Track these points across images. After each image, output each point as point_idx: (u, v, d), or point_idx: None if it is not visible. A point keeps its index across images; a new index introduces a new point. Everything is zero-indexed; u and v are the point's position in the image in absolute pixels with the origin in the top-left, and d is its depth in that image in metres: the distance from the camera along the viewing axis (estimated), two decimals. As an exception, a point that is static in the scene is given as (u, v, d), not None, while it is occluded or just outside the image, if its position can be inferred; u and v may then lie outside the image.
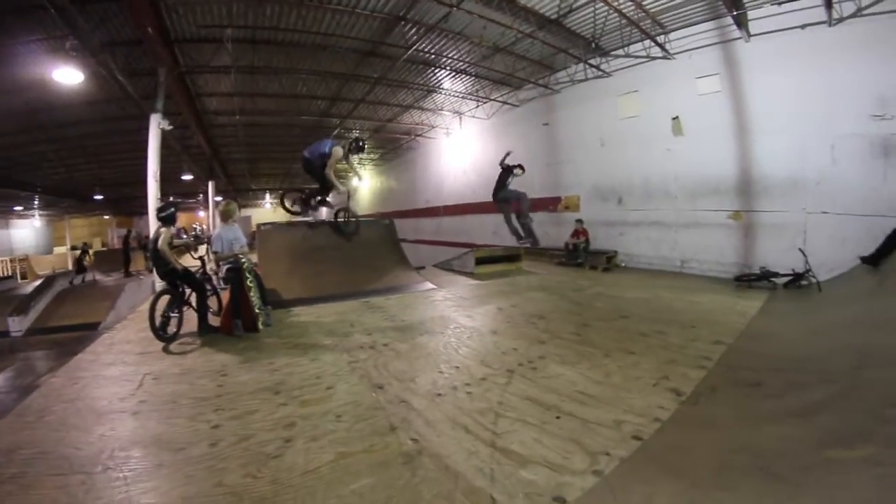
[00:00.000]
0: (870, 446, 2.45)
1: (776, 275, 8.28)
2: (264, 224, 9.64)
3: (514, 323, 6.15)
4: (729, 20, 9.30)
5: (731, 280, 8.95)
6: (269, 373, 4.33)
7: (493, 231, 16.51)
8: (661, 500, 2.25)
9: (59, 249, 31.33)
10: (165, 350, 5.18)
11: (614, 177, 12.58)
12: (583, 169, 13.66)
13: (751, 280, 8.54)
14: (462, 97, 16.16)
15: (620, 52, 11.38)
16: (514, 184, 9.85)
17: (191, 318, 5.86)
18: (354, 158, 8.99)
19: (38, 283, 15.29)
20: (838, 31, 8.04)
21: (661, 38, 10.49)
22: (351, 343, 5.28)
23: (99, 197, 25.13)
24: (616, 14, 9.44)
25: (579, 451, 2.73)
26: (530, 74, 13.75)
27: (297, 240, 9.08)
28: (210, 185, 20.97)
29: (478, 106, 17.06)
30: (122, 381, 4.16)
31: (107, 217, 35.56)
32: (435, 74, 13.90)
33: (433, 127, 19.87)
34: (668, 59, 10.74)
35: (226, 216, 6.37)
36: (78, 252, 18.95)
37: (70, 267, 22.67)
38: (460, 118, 18.49)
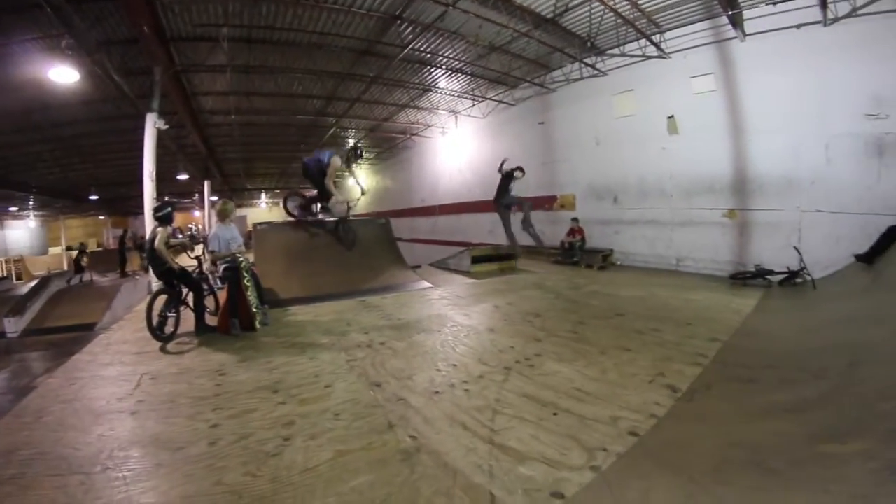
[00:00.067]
0: (863, 441, 2.48)
1: (771, 273, 8.34)
2: (260, 223, 9.63)
3: (510, 321, 6.18)
4: (724, 20, 9.32)
5: (726, 278, 9.01)
6: (267, 372, 4.34)
7: (489, 230, 16.53)
8: (658, 494, 2.28)
9: (54, 250, 31.22)
10: (163, 350, 5.17)
11: (610, 175, 12.62)
12: (578, 168, 13.70)
13: (746, 278, 8.60)
14: (458, 96, 16.18)
15: (616, 51, 11.43)
16: (515, 187, 9.89)
17: (188, 318, 5.85)
18: (355, 167, 8.97)
19: (33, 283, 15.23)
20: (833, 30, 8.08)
21: (656, 38, 10.52)
22: (348, 342, 5.29)
23: (94, 197, 25.02)
24: (612, 13, 9.46)
25: (576, 448, 2.75)
26: (526, 73, 13.77)
27: (293, 239, 9.06)
28: (206, 184, 20.93)
29: (473, 105, 17.08)
30: (120, 382, 4.15)
31: (102, 217, 35.41)
32: (431, 73, 13.91)
33: (429, 126, 19.90)
34: (664, 58, 10.78)
35: (223, 215, 6.36)
36: (75, 252, 18.91)
37: (65, 267, 22.66)
38: (456, 117, 18.51)
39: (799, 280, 7.97)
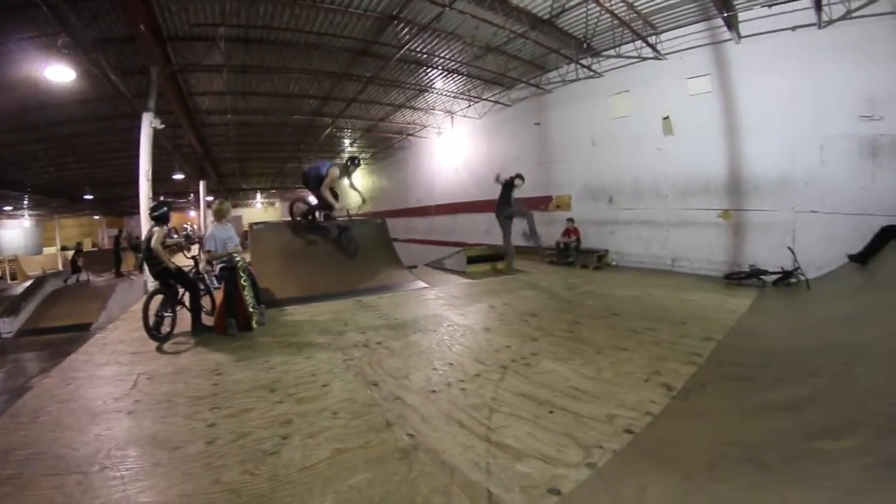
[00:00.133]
0: (857, 437, 2.52)
1: (765, 273, 8.38)
2: (257, 223, 9.62)
3: (506, 321, 6.20)
4: (720, 22, 9.37)
5: (721, 278, 9.04)
6: (264, 371, 4.35)
7: (485, 230, 16.56)
8: (654, 491, 2.30)
9: (48, 250, 31.03)
10: (159, 350, 5.18)
11: (605, 176, 12.66)
12: (574, 168, 13.73)
13: (740, 278, 8.64)
14: (454, 97, 16.19)
15: (612, 52, 11.45)
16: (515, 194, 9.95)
17: (184, 318, 5.86)
18: (354, 176, 9.03)
19: (28, 283, 15.14)
20: (828, 33, 8.13)
21: (652, 39, 10.56)
22: (345, 341, 5.31)
23: (89, 197, 24.92)
24: (608, 15, 9.47)
25: (573, 445, 2.78)
26: (522, 74, 13.80)
27: (289, 239, 9.07)
28: (201, 184, 20.86)
29: (469, 105, 17.07)
30: (117, 381, 4.16)
31: (97, 217, 35.28)
32: (427, 74, 13.91)
33: (425, 126, 19.88)
34: (660, 59, 10.83)
35: (219, 215, 6.36)
36: (70, 252, 18.84)
37: (60, 267, 22.54)
38: (452, 118, 18.51)
39: (793, 280, 8.03)
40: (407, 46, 11.09)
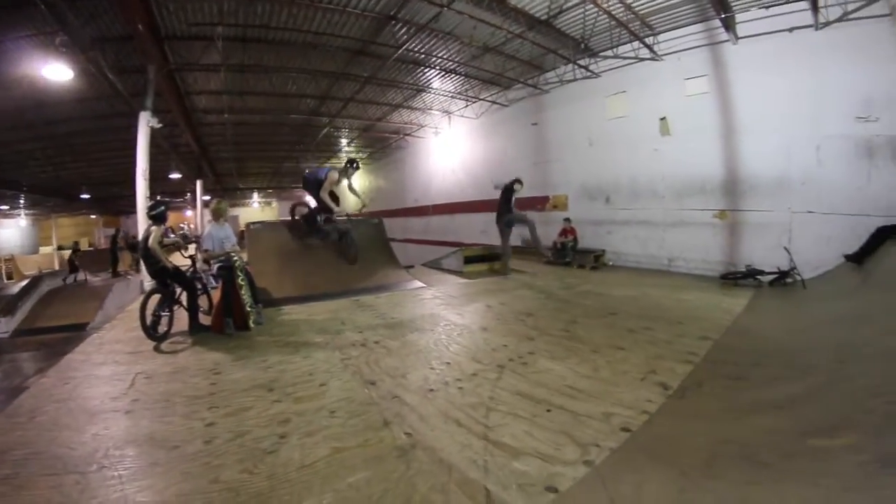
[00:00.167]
0: (852, 435, 2.54)
1: (762, 273, 8.41)
2: (253, 223, 9.61)
3: (503, 320, 6.22)
4: (717, 23, 9.40)
5: (717, 278, 9.07)
6: (261, 370, 4.35)
7: (482, 230, 16.58)
8: (651, 488, 2.32)
9: (44, 249, 30.95)
10: (156, 349, 5.16)
11: (602, 176, 12.69)
12: (571, 168, 13.76)
13: (737, 278, 8.67)
14: (451, 97, 16.19)
15: (609, 53, 11.49)
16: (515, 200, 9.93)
17: (181, 318, 5.85)
18: (353, 179, 8.98)
19: (24, 283, 15.10)
20: (825, 34, 8.17)
21: (649, 40, 10.60)
22: (342, 341, 5.31)
23: (86, 196, 24.84)
24: (605, 15, 9.51)
25: (570, 443, 2.79)
26: (520, 74, 13.82)
27: (286, 239, 9.06)
28: (198, 184, 20.82)
29: (467, 105, 17.09)
30: (114, 381, 4.15)
31: (93, 216, 35.17)
32: (424, 74, 13.91)
33: (422, 126, 19.90)
34: (657, 60, 10.86)
35: (217, 215, 6.36)
36: (67, 252, 18.83)
37: (56, 267, 22.48)
38: (449, 117, 18.52)
39: (789, 280, 8.06)
40: (405, 46, 11.10)
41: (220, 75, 11.84)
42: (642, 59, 11.06)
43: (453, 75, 14.03)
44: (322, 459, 2.69)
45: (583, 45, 11.41)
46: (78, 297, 13.01)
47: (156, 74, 9.47)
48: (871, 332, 4.38)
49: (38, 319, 11.52)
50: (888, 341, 3.96)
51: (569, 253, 11.92)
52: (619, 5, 9.26)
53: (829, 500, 2.07)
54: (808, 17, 8.25)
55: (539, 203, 14.50)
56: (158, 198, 6.20)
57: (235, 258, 5.96)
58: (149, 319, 5.34)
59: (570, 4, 9.62)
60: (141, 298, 5.76)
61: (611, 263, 11.83)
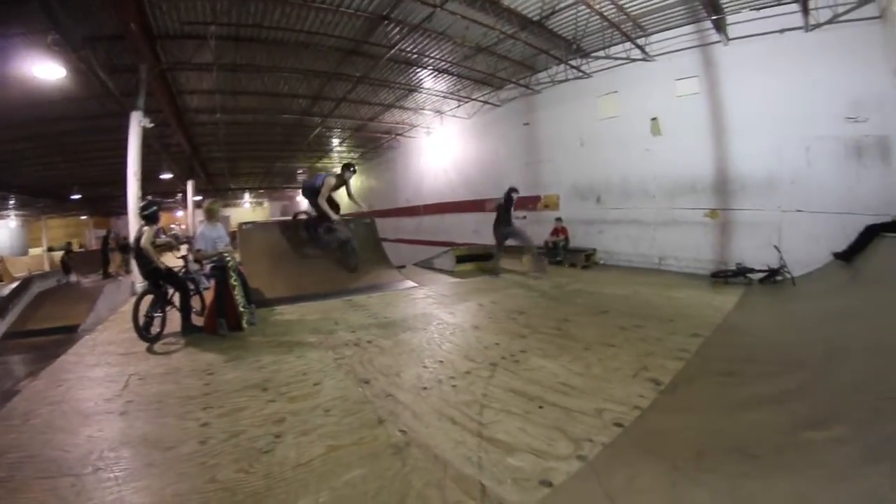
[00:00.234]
0: (840, 427, 2.61)
1: (752, 271, 8.49)
2: (245, 223, 9.58)
3: (495, 319, 6.26)
4: (708, 24, 9.49)
5: (707, 276, 9.13)
6: (255, 370, 4.36)
7: (473, 230, 16.65)
8: (644, 481, 2.36)
9: (34, 251, 30.60)
10: (149, 350, 5.15)
11: (593, 176, 12.77)
12: (562, 168, 13.84)
13: (727, 276, 8.74)
14: (443, 96, 16.19)
15: (601, 53, 11.58)
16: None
17: (174, 319, 5.83)
18: (350, 182, 8.91)
19: (14, 285, 14.93)
20: (815, 36, 8.27)
21: (641, 41, 10.66)
22: (336, 340, 5.33)
23: (76, 196, 24.63)
24: (598, 16, 9.55)
25: (563, 439, 2.83)
26: (511, 75, 13.85)
27: (279, 239, 9.04)
28: (189, 184, 20.69)
29: (459, 105, 17.11)
30: (108, 383, 4.14)
31: (84, 217, 34.84)
32: (417, 74, 13.91)
33: (414, 126, 19.91)
34: (648, 61, 10.94)
35: (210, 215, 6.35)
36: (61, 252, 18.75)
37: (47, 268, 22.27)
38: (441, 117, 18.54)
39: (779, 278, 8.14)
40: (397, 46, 11.10)
41: (212, 75, 11.77)
42: (634, 60, 11.13)
43: (445, 75, 14.03)
44: (317, 458, 2.70)
45: (575, 46, 11.47)
46: (69, 298, 12.88)
47: (148, 74, 9.40)
48: (858, 328, 4.45)
49: (29, 322, 11.39)
50: (875, 337, 4.03)
51: (560, 252, 11.97)
52: (611, 6, 9.30)
53: (819, 490, 2.12)
54: (798, 19, 8.34)
55: (531, 203, 14.55)
56: (150, 198, 6.16)
57: (228, 258, 5.95)
58: (141, 320, 5.33)
59: (562, 5, 9.65)
60: (133, 300, 5.74)
61: (602, 262, 11.90)
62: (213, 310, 5.75)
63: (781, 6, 8.53)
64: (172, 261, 6.45)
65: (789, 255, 8.20)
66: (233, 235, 11.54)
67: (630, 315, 6.09)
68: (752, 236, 9.31)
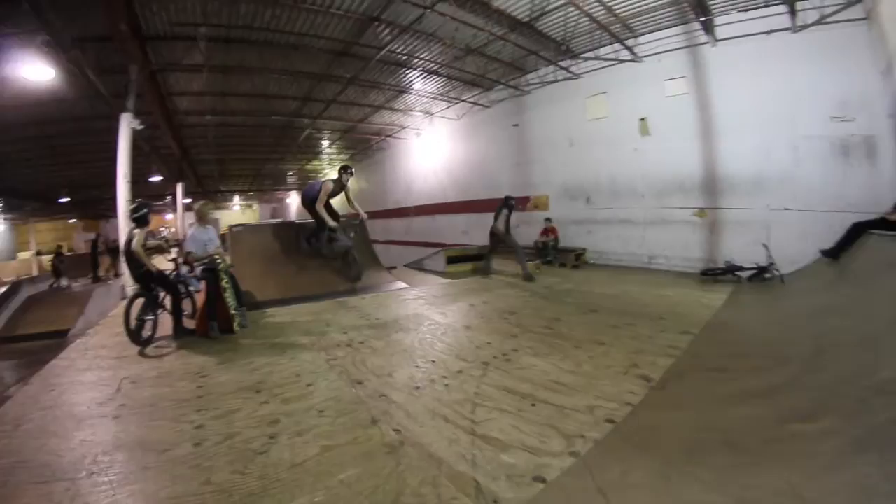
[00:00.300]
0: (827, 419, 2.66)
1: (741, 269, 8.57)
2: (235, 225, 9.55)
3: (486, 319, 6.29)
4: (696, 25, 9.59)
5: (697, 274, 9.20)
6: (248, 372, 4.35)
7: (463, 231, 16.70)
8: (636, 475, 2.40)
9: (23, 255, 30.25)
10: (141, 354, 5.11)
11: (583, 176, 12.85)
12: (552, 169, 13.90)
13: (716, 274, 8.82)
14: (433, 98, 16.22)
15: (590, 54, 11.65)
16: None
17: (165, 322, 5.81)
18: (348, 185, 8.71)
19: (3, 290, 14.78)
20: (802, 37, 8.37)
21: (630, 42, 10.74)
22: (328, 341, 5.33)
23: (65, 199, 24.39)
24: (587, 18, 9.62)
25: (556, 435, 2.86)
26: (501, 76, 13.91)
27: (269, 241, 9.00)
28: (179, 186, 20.54)
29: (448, 107, 17.14)
30: (100, 386, 4.11)
31: (72, 221, 34.49)
32: (406, 75, 13.93)
33: (403, 127, 19.92)
34: (637, 62, 11.02)
35: (201, 217, 6.33)
36: (52, 256, 18.62)
37: (35, 273, 22.06)
38: (431, 119, 18.57)
39: (768, 275, 8.21)
40: (387, 48, 11.12)
41: (202, 76, 11.72)
42: (623, 61, 11.21)
43: (435, 76, 14.07)
44: (312, 458, 2.71)
45: (564, 47, 11.53)
46: (58, 303, 12.81)
47: (138, 75, 9.33)
48: (846, 324, 4.50)
49: (18, 327, 11.31)
50: (862, 331, 4.08)
51: (550, 252, 12.03)
52: (600, 8, 9.37)
53: (809, 481, 2.16)
54: (785, 21, 8.45)
55: (520, 203, 14.56)
56: (140, 200, 6.12)
57: (219, 261, 5.93)
58: (133, 324, 5.29)
59: (552, 7, 9.71)
60: (125, 303, 5.70)
61: (592, 262, 11.96)
62: (205, 312, 5.73)
63: (769, 7, 8.64)
64: (163, 264, 6.41)
65: (777, 252, 8.29)
66: (222, 238, 11.53)
67: (620, 313, 6.14)
68: (740, 235, 9.40)
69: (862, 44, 7.61)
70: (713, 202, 9.97)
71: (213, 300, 5.73)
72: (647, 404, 3.29)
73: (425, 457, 2.67)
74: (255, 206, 44.15)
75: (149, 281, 5.64)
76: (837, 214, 7.70)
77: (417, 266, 11.64)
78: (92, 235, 21.61)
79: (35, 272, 23.18)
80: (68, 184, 21.75)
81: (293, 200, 39.55)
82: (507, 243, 9.78)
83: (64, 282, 16.83)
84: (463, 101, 16.13)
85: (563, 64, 12.23)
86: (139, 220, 5.65)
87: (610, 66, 11.57)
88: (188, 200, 20.84)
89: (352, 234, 8.89)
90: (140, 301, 5.55)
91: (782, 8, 8.39)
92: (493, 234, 9.86)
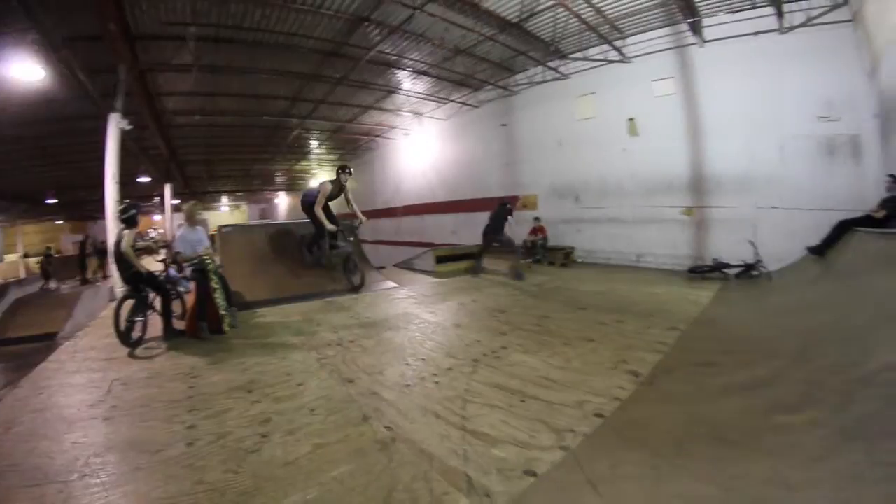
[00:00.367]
0: (813, 411, 2.73)
1: (728, 266, 8.65)
2: (225, 226, 9.50)
3: (476, 317, 6.32)
4: (685, 26, 9.72)
5: (685, 272, 9.28)
6: (239, 372, 4.34)
7: (452, 230, 16.74)
8: (626, 468, 2.44)
9: (10, 257, 29.83)
10: (131, 355, 5.08)
11: (571, 176, 12.97)
12: (541, 168, 14.00)
13: (704, 271, 8.91)
14: (422, 98, 16.22)
15: (579, 55, 11.73)
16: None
17: (155, 323, 5.78)
18: (347, 185, 8.49)
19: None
20: (789, 38, 8.52)
21: (618, 43, 10.84)
22: (318, 341, 5.33)
23: (52, 201, 24.11)
24: (576, 19, 9.69)
25: (545, 430, 2.90)
26: (490, 76, 13.95)
27: (258, 241, 8.96)
28: (167, 187, 20.37)
29: (437, 107, 17.17)
30: (90, 388, 4.08)
31: (60, 222, 34.08)
32: (396, 75, 13.93)
33: (392, 127, 19.91)
34: (625, 62, 11.12)
35: (190, 218, 6.30)
36: (41, 258, 18.45)
37: (22, 275, 21.81)
38: (419, 119, 18.59)
39: (755, 273, 8.31)
40: (377, 48, 11.12)
41: (191, 76, 11.64)
42: (611, 62, 11.31)
43: (424, 77, 14.07)
44: (305, 456, 2.73)
45: (553, 48, 11.58)
46: (46, 306, 12.66)
47: (127, 75, 9.25)
48: (831, 319, 4.57)
49: (8, 330, 11.16)
50: (846, 326, 4.15)
51: (539, 251, 12.10)
52: (589, 9, 9.45)
53: (796, 471, 2.22)
54: (772, 22, 8.59)
55: (509, 203, 14.65)
56: (129, 201, 6.07)
57: (209, 261, 5.91)
58: (123, 325, 5.26)
59: (541, 8, 9.76)
60: (114, 305, 5.67)
61: (580, 260, 12.07)
62: (195, 313, 5.71)
63: (756, 9, 8.77)
64: (152, 265, 6.38)
65: (764, 250, 8.39)
66: (212, 238, 11.45)
67: (609, 311, 6.21)
68: (728, 233, 9.53)
69: (848, 45, 7.79)
70: (701, 201, 10.09)
71: (203, 301, 5.71)
72: (636, 399, 3.34)
73: (417, 453, 2.70)
74: (244, 207, 43.88)
75: (138, 282, 5.60)
76: (823, 212, 7.83)
77: (407, 266, 11.64)
78: (79, 237, 21.39)
79: (22, 275, 22.89)
80: (56, 185, 21.48)
81: (282, 201, 39.39)
82: (503, 243, 9.80)
83: (53, 284, 16.65)
84: (452, 101, 16.16)
85: (551, 64, 12.31)
86: (128, 221, 5.61)
87: (598, 66, 11.67)
88: (176, 201, 20.71)
89: (350, 238, 8.64)
90: (130, 302, 5.53)
91: (769, 10, 8.52)
92: (487, 234, 9.88)
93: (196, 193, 30.53)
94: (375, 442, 2.86)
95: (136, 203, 5.97)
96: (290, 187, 35.09)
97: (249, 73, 12.21)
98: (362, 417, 3.22)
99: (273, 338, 5.61)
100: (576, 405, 3.25)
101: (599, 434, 2.85)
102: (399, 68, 13.24)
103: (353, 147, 24.03)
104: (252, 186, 33.99)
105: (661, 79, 10.58)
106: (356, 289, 8.45)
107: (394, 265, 12.03)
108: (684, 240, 10.38)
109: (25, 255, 28.43)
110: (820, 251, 7.26)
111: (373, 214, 23.42)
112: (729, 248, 9.18)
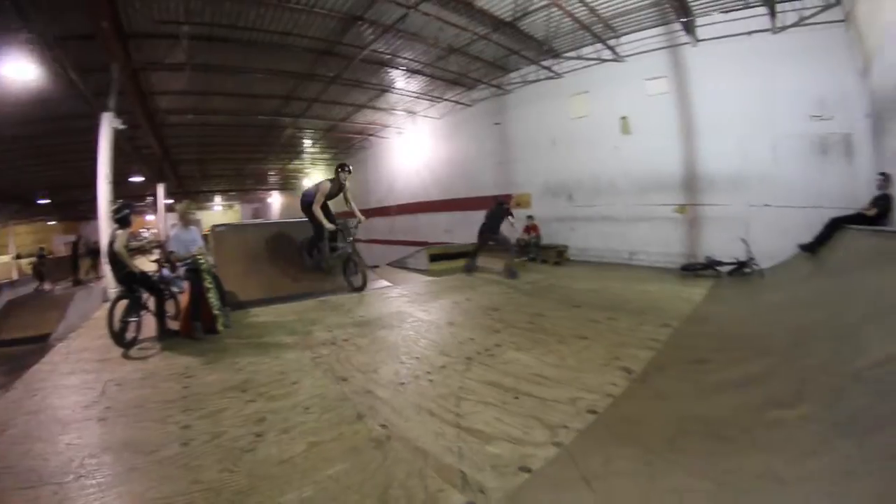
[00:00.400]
0: (805, 406, 2.74)
1: (721, 264, 8.73)
2: (218, 225, 9.47)
3: (469, 315, 6.34)
4: (678, 26, 9.76)
5: (677, 270, 9.36)
6: (233, 372, 4.33)
7: (446, 229, 16.75)
8: (619, 464, 2.46)
9: (2, 258, 29.55)
10: (125, 356, 5.05)
11: (565, 174, 13.03)
12: (534, 167, 14.05)
13: (696, 269, 8.98)
14: (415, 97, 16.23)
15: (572, 54, 11.78)
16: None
17: (149, 323, 5.76)
18: (346, 184, 8.29)
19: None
20: (781, 38, 8.60)
21: (612, 42, 10.88)
22: (312, 340, 5.33)
23: (44, 201, 23.93)
24: (569, 18, 9.72)
25: (539, 426, 2.92)
26: (483, 75, 13.97)
27: (252, 241, 8.93)
28: (160, 187, 20.27)
29: (431, 106, 17.19)
30: (84, 390, 4.06)
31: (51, 223, 33.81)
32: (389, 74, 13.93)
33: (386, 126, 19.91)
34: (619, 61, 11.16)
35: (184, 217, 6.29)
36: (35, 259, 18.32)
37: (15, 277, 21.66)
38: (413, 118, 18.59)
39: (747, 270, 8.39)
40: (371, 47, 11.11)
41: (184, 75, 11.60)
42: (605, 61, 11.35)
43: (418, 76, 14.08)
44: (300, 454, 2.73)
45: (546, 47, 11.61)
46: (39, 307, 12.56)
47: (120, 74, 9.18)
48: (823, 315, 4.59)
49: (1, 332, 11.07)
50: (838, 322, 4.17)
51: (532, 249, 12.14)
52: (582, 8, 9.48)
53: (789, 465, 2.23)
54: (765, 22, 8.66)
55: (505, 202, 14.67)
56: (122, 201, 6.03)
57: (202, 261, 5.90)
58: (117, 326, 5.24)
59: (534, 7, 9.79)
60: (107, 305, 5.64)
61: (574, 258, 12.12)
62: (189, 313, 5.69)
63: (749, 9, 8.83)
64: (146, 265, 6.35)
65: (757, 247, 8.46)
66: (205, 238, 11.40)
67: (602, 308, 6.24)
68: (720, 230, 9.59)
69: (840, 44, 7.86)
70: (693, 199, 10.15)
71: (197, 300, 5.69)
72: (629, 395, 3.36)
73: (411, 450, 2.71)
74: (237, 207, 43.70)
75: (132, 282, 5.58)
76: (816, 210, 7.92)
77: (400, 265, 11.64)
78: (72, 237, 21.24)
79: (15, 276, 22.70)
80: (49, 185, 21.34)
81: (275, 200, 39.25)
82: (499, 242, 9.81)
83: (47, 285, 16.54)
84: (445, 100, 16.19)
85: (545, 63, 12.35)
86: (121, 221, 5.58)
87: (592, 65, 11.72)
88: (169, 201, 20.61)
89: (349, 239, 8.42)
90: (123, 303, 5.50)
91: (762, 9, 8.57)
92: (483, 233, 9.88)
93: (189, 193, 30.37)
94: (370, 440, 2.86)
95: (129, 203, 5.94)
96: (284, 187, 35.01)
97: (243, 72, 12.18)
98: (357, 416, 3.23)
99: (267, 337, 5.60)
100: (569, 402, 3.27)
101: (593, 430, 2.87)
102: (392, 67, 13.24)
103: (346, 146, 24.00)
104: (245, 186, 33.92)
105: (655, 78, 10.63)
106: (358, 290, 8.29)
107: (387, 264, 12.03)
108: (677, 238, 10.44)
109: (18, 256, 28.18)
110: (812, 249, 7.33)
111: (367, 213, 23.35)
112: (721, 245, 9.23)
